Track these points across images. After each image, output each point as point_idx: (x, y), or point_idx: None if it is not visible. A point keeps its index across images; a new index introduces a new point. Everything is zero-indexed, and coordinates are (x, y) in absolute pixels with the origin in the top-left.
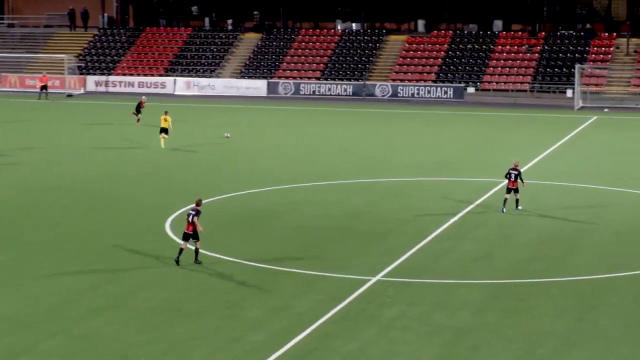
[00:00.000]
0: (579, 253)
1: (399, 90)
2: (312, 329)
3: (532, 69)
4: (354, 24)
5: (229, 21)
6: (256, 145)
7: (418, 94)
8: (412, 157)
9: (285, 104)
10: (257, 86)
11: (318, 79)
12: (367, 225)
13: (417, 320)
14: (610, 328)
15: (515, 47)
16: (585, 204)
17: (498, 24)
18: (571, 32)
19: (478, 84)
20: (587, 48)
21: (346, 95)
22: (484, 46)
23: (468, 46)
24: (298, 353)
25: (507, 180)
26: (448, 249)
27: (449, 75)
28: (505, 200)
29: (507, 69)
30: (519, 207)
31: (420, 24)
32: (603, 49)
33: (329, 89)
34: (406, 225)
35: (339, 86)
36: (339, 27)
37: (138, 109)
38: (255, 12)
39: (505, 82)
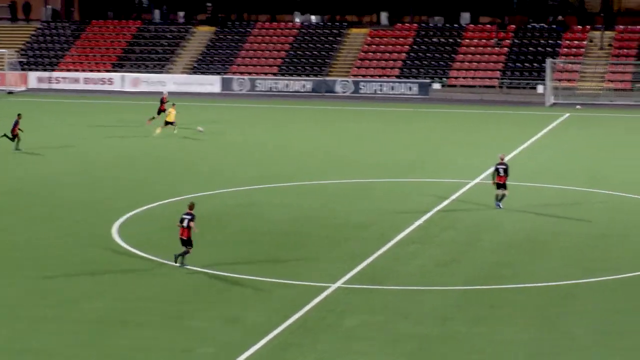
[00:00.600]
0: (549, 257)
1: (360, 87)
2: (267, 339)
3: (501, 63)
4: (313, 17)
5: (181, 13)
6: (210, 145)
7: (381, 90)
8: (374, 157)
9: (241, 101)
10: (211, 82)
11: (275, 74)
12: (327, 229)
13: (380, 329)
14: (583, 336)
15: (484, 40)
16: (557, 205)
17: (465, 17)
18: (542, 24)
19: (444, 79)
20: (559, 41)
21: (305, 91)
22: (450, 40)
23: (434, 40)
24: None
25: (489, 177)
26: (412, 253)
27: (413, 70)
28: (497, 195)
29: (475, 64)
30: (501, 206)
31: (383, 16)
32: (576, 42)
33: (287, 86)
34: (368, 229)
35: (297, 82)
36: (297, 20)
37: (160, 109)
38: (209, 4)
39: (472, 78)
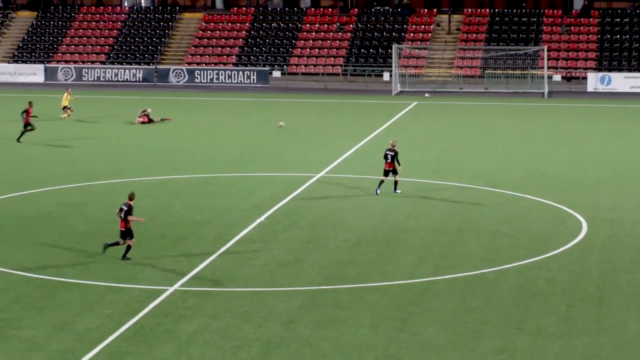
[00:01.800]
0: (398, 255)
1: (195, 75)
2: (100, 348)
3: (344, 49)
4: (142, 0)
5: None
6: (30, 140)
7: (217, 79)
8: (212, 151)
9: (65, 91)
10: (33, 72)
11: (103, 63)
12: (161, 228)
13: (221, 334)
14: (434, 337)
15: (325, 25)
16: (405, 199)
17: (306, 0)
18: (387, 8)
19: (284, 67)
20: (405, 26)
21: (136, 81)
22: (290, 25)
23: (272, 25)
24: None
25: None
26: (254, 253)
27: (251, 57)
28: (382, 182)
29: (317, 50)
30: (398, 190)
31: None
32: (422, 26)
33: (116, 75)
34: (206, 228)
35: (127, 71)
36: (125, 4)
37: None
38: None
39: (314, 65)
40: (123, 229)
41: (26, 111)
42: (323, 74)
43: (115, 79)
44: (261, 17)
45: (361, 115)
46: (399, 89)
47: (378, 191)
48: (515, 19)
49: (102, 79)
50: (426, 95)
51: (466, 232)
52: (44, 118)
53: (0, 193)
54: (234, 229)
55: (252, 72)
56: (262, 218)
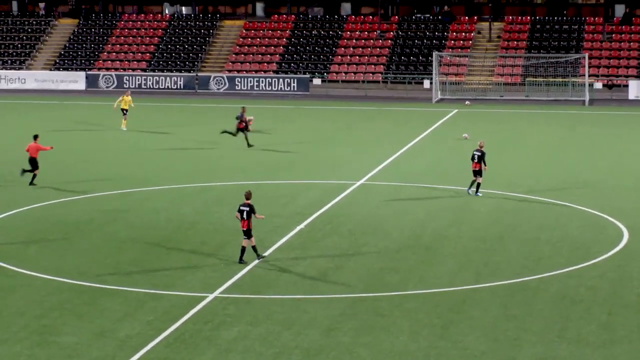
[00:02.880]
0: (438, 262)
1: (236, 83)
2: (140, 354)
3: (384, 57)
4: (183, 8)
5: (41, 5)
6: (72, 147)
7: (258, 86)
8: (251, 158)
9: (106, 99)
10: (75, 79)
11: (144, 70)
12: (201, 235)
13: (261, 341)
14: (474, 344)
15: (366, 33)
16: (445, 207)
17: (346, 7)
18: (427, 15)
19: (325, 74)
20: (445, 33)
21: (177, 88)
22: (330, 32)
23: (313, 32)
24: None
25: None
26: (294, 260)
27: (292, 65)
28: (473, 182)
29: (357, 57)
30: (478, 194)
31: (259, 7)
32: (463, 34)
33: (157, 82)
34: None
35: (168, 78)
36: (166, 12)
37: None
38: None
39: (355, 73)
40: (245, 229)
41: (240, 116)
42: (363, 81)
43: (157, 87)
44: (301, 24)
45: (401, 123)
46: (439, 97)
47: (470, 191)
48: (556, 26)
49: (143, 86)
50: (467, 102)
51: (507, 239)
52: (84, 127)
53: (42, 199)
54: (274, 236)
55: (292, 80)
56: (302, 225)
